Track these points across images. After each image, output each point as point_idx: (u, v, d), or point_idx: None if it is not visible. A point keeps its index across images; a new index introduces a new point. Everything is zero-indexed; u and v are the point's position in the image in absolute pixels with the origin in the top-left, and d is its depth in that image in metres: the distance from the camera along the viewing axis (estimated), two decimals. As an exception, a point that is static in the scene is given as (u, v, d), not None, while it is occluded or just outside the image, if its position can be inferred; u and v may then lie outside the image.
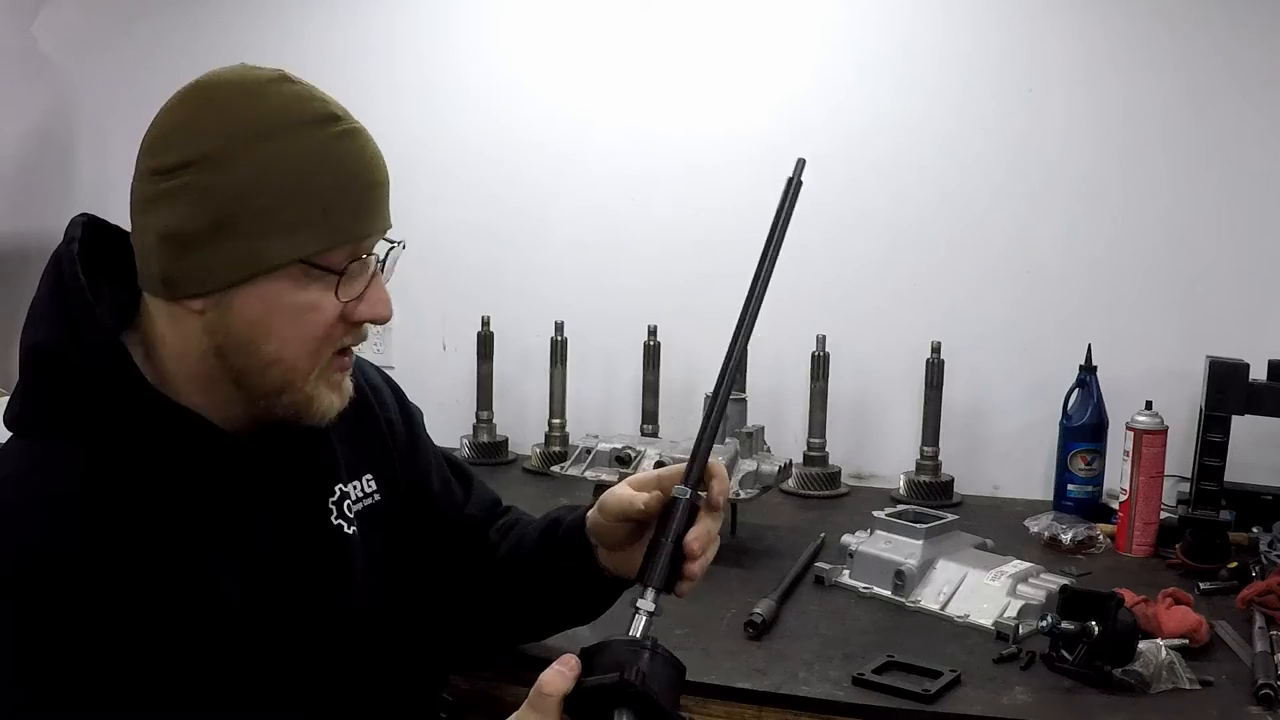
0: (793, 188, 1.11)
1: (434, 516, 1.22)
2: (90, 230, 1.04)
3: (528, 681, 0.89)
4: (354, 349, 1.02)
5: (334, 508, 1.08)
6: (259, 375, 0.96)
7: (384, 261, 1.00)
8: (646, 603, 0.93)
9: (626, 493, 1.06)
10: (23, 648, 0.86)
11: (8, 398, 1.00)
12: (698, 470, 0.98)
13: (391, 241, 1.00)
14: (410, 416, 1.25)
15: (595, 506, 1.10)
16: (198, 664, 0.92)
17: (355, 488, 1.12)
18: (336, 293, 0.95)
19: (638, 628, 0.92)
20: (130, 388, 0.94)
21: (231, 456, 0.99)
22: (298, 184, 0.92)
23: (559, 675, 0.90)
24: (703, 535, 0.98)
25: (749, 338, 1.08)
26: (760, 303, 1.08)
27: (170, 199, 0.92)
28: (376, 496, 1.14)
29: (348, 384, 1.03)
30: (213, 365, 0.97)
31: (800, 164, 1.09)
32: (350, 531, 1.09)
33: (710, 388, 1.45)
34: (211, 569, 0.95)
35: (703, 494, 0.99)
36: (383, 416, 1.19)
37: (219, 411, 0.99)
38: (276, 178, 0.92)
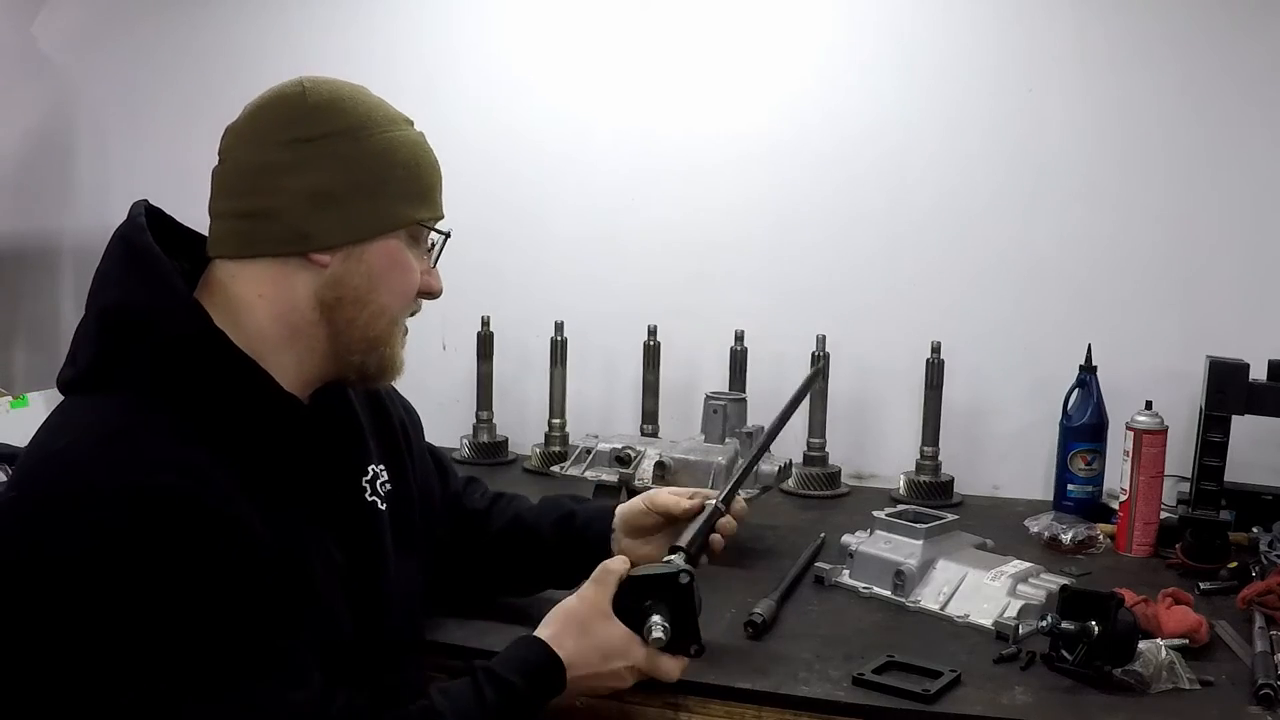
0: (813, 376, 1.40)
1: (435, 511, 1.33)
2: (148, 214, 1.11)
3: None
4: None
5: (367, 486, 1.17)
6: (363, 327, 1.09)
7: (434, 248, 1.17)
8: (678, 556, 1.20)
9: (668, 493, 1.34)
10: (145, 583, 0.90)
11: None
12: (729, 493, 1.29)
13: (441, 232, 1.16)
14: (415, 419, 1.35)
15: (640, 499, 1.34)
16: (269, 615, 0.97)
17: (382, 470, 1.20)
18: (431, 255, 1.14)
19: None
20: (212, 346, 1.02)
21: (296, 420, 1.08)
22: (411, 164, 1.10)
23: (620, 560, 1.18)
24: (725, 527, 1.28)
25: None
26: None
27: (315, 161, 1.05)
28: (389, 485, 1.21)
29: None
30: (312, 321, 1.07)
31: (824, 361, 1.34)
32: (383, 508, 1.18)
33: (710, 387, 1.45)
34: (281, 527, 1.01)
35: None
36: (395, 414, 1.29)
37: (289, 373, 1.08)
38: (398, 155, 1.09)
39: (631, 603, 1.15)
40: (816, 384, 1.32)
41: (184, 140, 2.54)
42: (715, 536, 1.27)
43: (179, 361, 1.01)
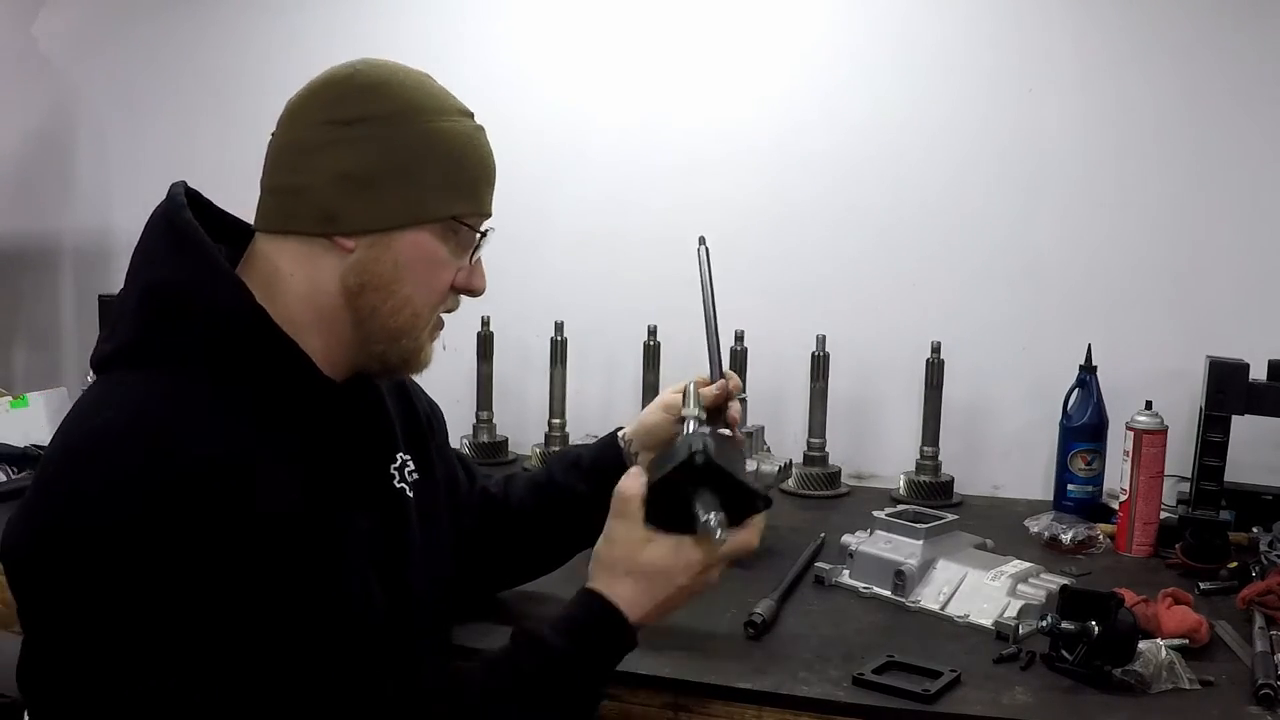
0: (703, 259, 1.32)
1: (461, 504, 1.34)
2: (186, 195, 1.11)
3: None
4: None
5: (396, 473, 1.17)
6: (388, 317, 1.07)
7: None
8: (690, 410, 1.12)
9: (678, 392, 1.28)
10: (194, 552, 0.90)
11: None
12: (716, 370, 1.27)
13: (477, 229, 1.12)
14: (439, 414, 1.35)
15: (652, 410, 1.34)
16: (307, 589, 0.97)
17: (408, 459, 1.20)
18: (472, 254, 1.11)
19: (689, 429, 1.10)
20: (254, 323, 1.02)
21: (331, 401, 1.08)
22: (456, 156, 1.07)
23: (632, 478, 1.08)
24: (736, 409, 1.27)
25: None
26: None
27: (349, 144, 1.03)
28: (416, 475, 1.21)
29: (435, 348, 1.14)
30: (337, 305, 1.06)
31: (700, 240, 1.33)
32: (410, 495, 1.18)
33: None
34: (319, 506, 1.01)
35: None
36: (420, 407, 1.29)
37: (318, 356, 1.07)
38: (441, 145, 1.06)
39: (668, 509, 1.04)
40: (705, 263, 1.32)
41: (184, 140, 2.56)
42: (734, 405, 1.25)
43: (221, 337, 1.01)
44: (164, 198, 1.09)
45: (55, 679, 0.94)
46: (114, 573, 0.89)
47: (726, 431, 1.24)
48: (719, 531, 1.01)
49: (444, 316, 1.15)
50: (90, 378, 1.09)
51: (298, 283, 1.06)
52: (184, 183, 1.11)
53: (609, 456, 1.36)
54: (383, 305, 1.06)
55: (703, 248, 1.33)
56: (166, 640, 0.89)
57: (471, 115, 1.11)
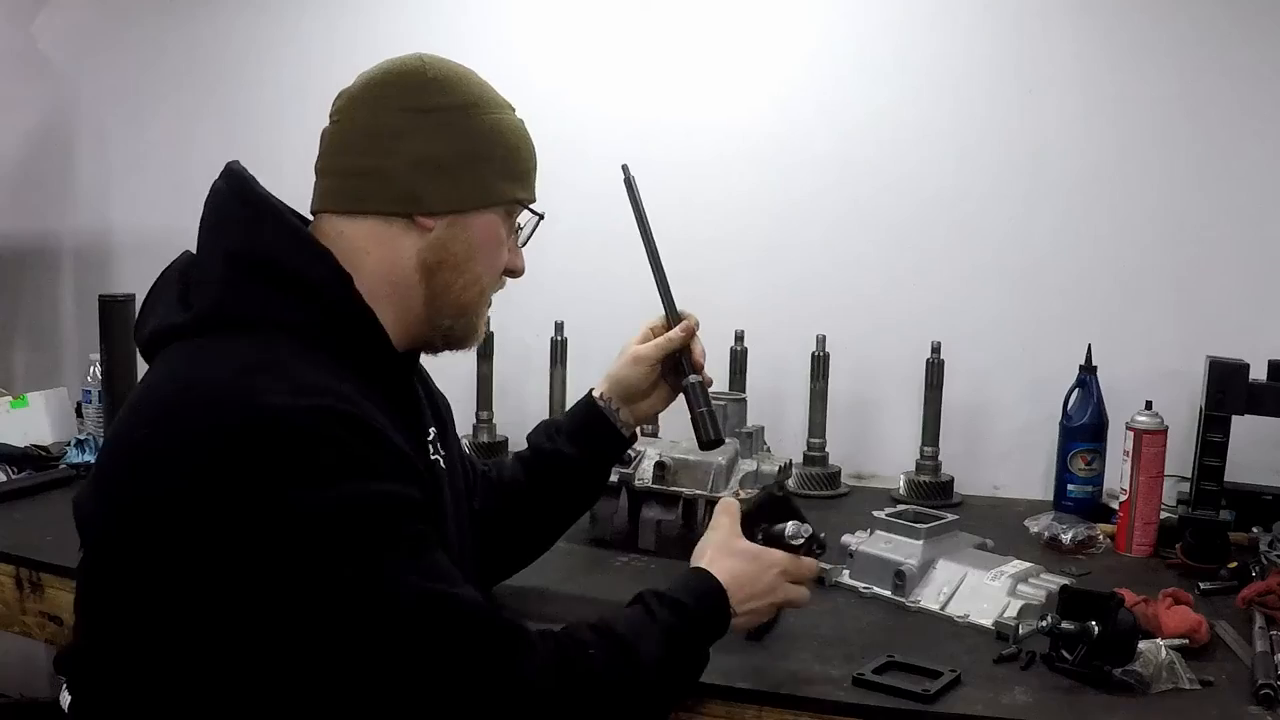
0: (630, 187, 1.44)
1: (468, 484, 1.38)
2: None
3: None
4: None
5: (430, 446, 1.23)
6: (459, 293, 1.16)
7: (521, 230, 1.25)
8: (693, 377, 1.37)
9: (652, 343, 1.40)
10: (323, 494, 0.94)
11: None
12: (671, 313, 1.40)
13: (537, 212, 1.24)
14: (446, 401, 1.39)
15: (624, 364, 1.41)
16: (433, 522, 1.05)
17: (436, 435, 1.25)
18: (517, 237, 1.22)
19: (696, 395, 1.35)
20: (342, 293, 1.08)
21: (401, 370, 1.16)
22: (514, 146, 1.18)
23: (729, 500, 1.28)
24: (699, 350, 1.40)
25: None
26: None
27: (429, 130, 1.11)
28: (441, 452, 1.26)
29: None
30: (412, 282, 1.13)
31: (624, 169, 1.44)
32: (443, 467, 1.24)
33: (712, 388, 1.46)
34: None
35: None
36: (436, 390, 1.36)
37: (391, 328, 1.13)
38: (503, 137, 1.17)
39: (751, 533, 1.25)
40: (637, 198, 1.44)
41: (184, 140, 2.56)
42: (697, 345, 1.39)
43: (310, 305, 1.06)
44: (221, 175, 1.13)
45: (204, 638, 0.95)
46: (250, 527, 0.92)
47: (696, 378, 1.37)
48: (801, 540, 1.24)
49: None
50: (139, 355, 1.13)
51: (375, 259, 1.11)
52: (237, 162, 1.15)
53: (588, 415, 1.43)
54: (455, 282, 1.15)
55: (629, 175, 1.42)
56: (327, 563, 0.93)
57: (514, 109, 1.21)
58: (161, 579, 0.95)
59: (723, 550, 1.20)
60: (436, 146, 1.11)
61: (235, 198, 1.10)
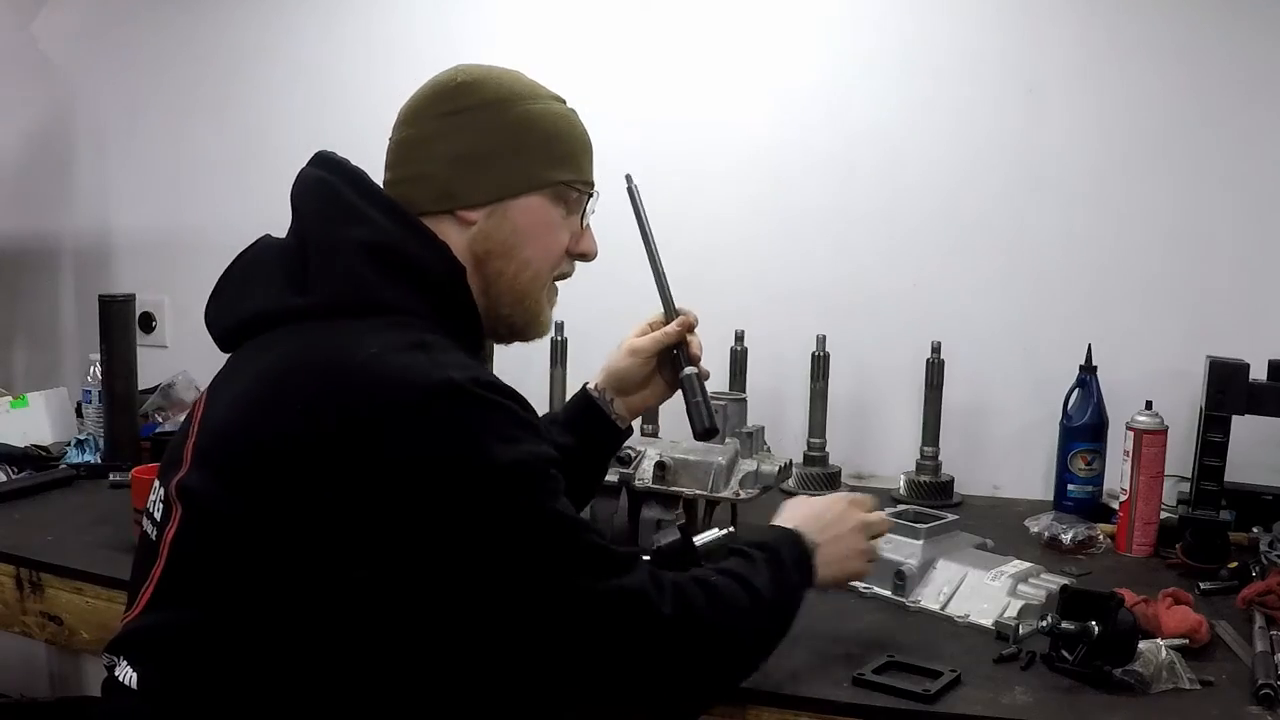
0: (633, 195, 1.47)
1: None
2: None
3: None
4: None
5: None
6: (512, 279, 1.20)
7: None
8: (690, 369, 1.41)
9: (649, 337, 1.45)
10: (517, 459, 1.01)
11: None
12: (670, 308, 1.45)
13: (584, 190, 1.27)
14: None
15: (620, 356, 1.46)
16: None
17: None
18: (581, 218, 1.26)
19: (693, 386, 1.39)
20: (461, 284, 1.15)
21: (479, 355, 1.21)
22: (555, 132, 1.22)
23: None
24: (697, 343, 1.44)
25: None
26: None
27: (460, 130, 1.18)
28: None
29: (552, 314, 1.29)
30: (469, 275, 1.17)
31: (628, 179, 1.46)
32: None
33: (710, 387, 1.46)
34: None
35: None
36: None
37: None
38: (542, 124, 1.21)
39: None
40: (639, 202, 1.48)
41: (184, 140, 2.56)
42: (694, 340, 1.44)
43: (433, 293, 1.12)
44: (314, 164, 1.18)
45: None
46: (522, 461, 1.00)
47: (692, 369, 1.40)
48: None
49: None
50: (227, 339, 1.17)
51: None
52: (330, 151, 1.20)
53: (582, 405, 1.47)
54: (506, 268, 1.20)
55: (632, 185, 1.45)
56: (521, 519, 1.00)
57: (564, 101, 1.25)
58: (330, 545, 0.98)
59: (793, 507, 1.31)
60: (468, 143, 1.17)
61: (350, 188, 1.14)
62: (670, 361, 1.45)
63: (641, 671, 1.04)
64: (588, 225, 1.28)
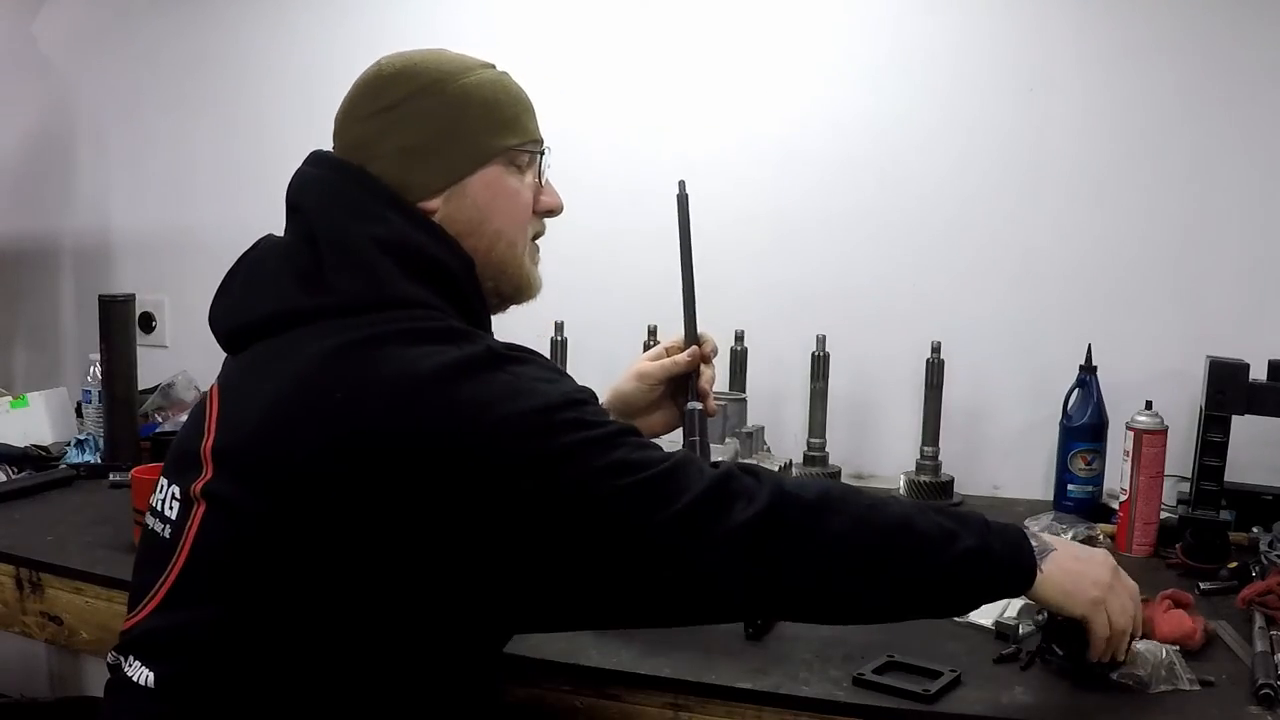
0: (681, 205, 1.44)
1: None
2: None
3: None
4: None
5: None
6: (486, 253, 1.20)
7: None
8: (694, 404, 1.37)
9: (658, 362, 1.42)
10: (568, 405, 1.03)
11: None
12: (692, 332, 1.41)
13: (534, 150, 1.26)
14: None
15: (630, 380, 1.43)
16: None
17: None
18: (539, 175, 1.25)
19: (693, 423, 1.35)
20: (470, 274, 1.18)
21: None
22: (493, 100, 1.21)
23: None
24: (709, 376, 1.41)
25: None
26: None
27: (399, 123, 1.16)
28: None
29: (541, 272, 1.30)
30: None
31: (680, 185, 1.43)
32: None
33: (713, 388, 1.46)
34: None
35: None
36: None
37: None
38: (479, 95, 1.19)
39: None
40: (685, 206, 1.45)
41: (184, 140, 2.56)
42: (706, 372, 1.41)
43: (449, 286, 1.14)
44: (310, 162, 1.19)
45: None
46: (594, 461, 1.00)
47: (698, 405, 1.36)
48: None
49: None
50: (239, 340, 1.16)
51: None
52: (325, 150, 1.21)
53: None
54: (480, 245, 1.19)
55: (682, 194, 1.40)
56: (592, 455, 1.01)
57: (493, 66, 1.24)
58: (377, 540, 0.98)
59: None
60: (410, 135, 1.16)
61: (355, 186, 1.15)
62: (685, 389, 1.41)
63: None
64: (547, 180, 1.27)
